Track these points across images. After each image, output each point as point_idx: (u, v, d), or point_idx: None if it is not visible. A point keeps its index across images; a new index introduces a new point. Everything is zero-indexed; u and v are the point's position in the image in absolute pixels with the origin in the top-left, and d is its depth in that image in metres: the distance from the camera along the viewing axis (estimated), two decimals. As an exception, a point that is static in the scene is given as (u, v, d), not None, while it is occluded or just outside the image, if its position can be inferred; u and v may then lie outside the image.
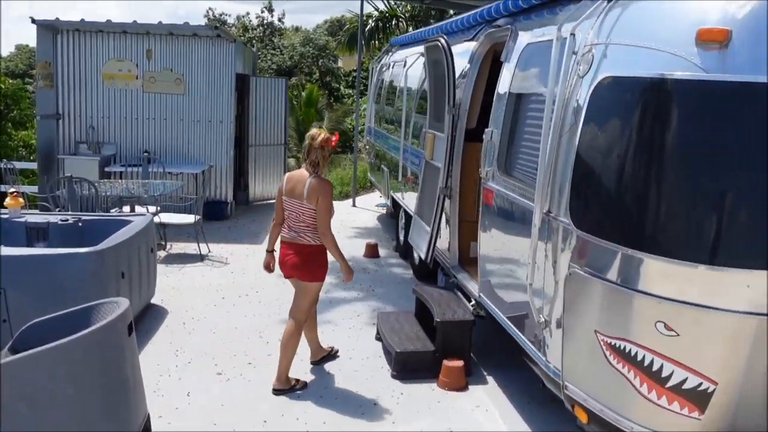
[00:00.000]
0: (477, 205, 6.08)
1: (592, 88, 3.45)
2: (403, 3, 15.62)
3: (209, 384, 4.98)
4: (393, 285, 7.57)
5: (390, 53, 10.71)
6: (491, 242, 4.90)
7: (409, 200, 7.90)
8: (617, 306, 3.30)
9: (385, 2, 16.07)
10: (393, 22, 16.19)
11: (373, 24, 16.16)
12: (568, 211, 3.55)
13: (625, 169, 3.22)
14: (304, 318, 4.91)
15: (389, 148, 9.03)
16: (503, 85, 4.82)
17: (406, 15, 15.91)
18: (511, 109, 4.66)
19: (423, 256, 6.09)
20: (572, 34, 3.68)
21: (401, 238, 8.77)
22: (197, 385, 4.95)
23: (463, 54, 6.04)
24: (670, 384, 3.16)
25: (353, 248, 8.91)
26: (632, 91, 3.24)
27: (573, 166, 3.52)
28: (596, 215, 3.41)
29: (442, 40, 5.83)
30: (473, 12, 6.11)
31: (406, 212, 8.25)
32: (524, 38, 4.69)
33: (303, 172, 4.69)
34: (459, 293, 5.80)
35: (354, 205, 12.43)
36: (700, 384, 3.10)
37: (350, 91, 35.67)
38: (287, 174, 4.83)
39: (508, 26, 5.05)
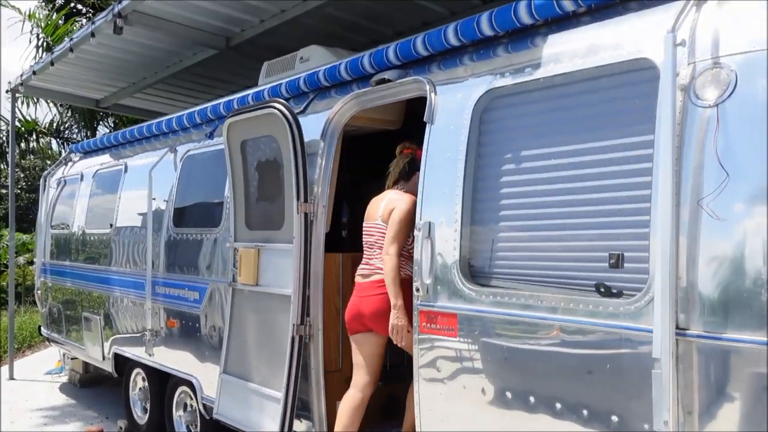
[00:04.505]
0: (341, 345, 4.21)
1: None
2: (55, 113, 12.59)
3: None
4: (167, 491, 4.87)
5: (70, 163, 8.01)
6: (467, 401, 3.05)
7: (166, 354, 5.38)
8: None
9: (24, 113, 12.72)
10: (33, 137, 12.91)
11: (3, 138, 12.64)
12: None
13: None
14: (372, 388, 3.75)
15: (110, 285, 6.31)
16: (450, 153, 3.19)
17: (53, 129, 12.85)
18: (483, 186, 3.06)
19: (273, 440, 3.82)
20: (675, 45, 2.34)
21: (136, 413, 6.03)
22: None
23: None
24: None
25: (59, 443, 5.83)
26: None
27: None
28: None
29: (280, 106, 3.95)
30: (306, 73, 4.40)
31: (151, 375, 5.66)
32: (474, 86, 3.19)
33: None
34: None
35: (12, 378, 8.70)
36: None
37: None
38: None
39: (417, 79, 3.51)
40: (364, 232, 3.87)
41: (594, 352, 2.56)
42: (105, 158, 7.10)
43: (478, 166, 3.10)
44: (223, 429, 4.54)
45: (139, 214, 5.96)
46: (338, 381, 4.18)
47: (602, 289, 2.55)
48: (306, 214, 3.86)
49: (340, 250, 4.36)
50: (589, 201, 2.66)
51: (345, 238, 5.11)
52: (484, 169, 3.08)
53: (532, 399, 2.76)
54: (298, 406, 3.86)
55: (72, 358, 7.91)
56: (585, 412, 2.57)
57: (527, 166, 2.91)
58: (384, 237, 3.65)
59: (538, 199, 2.84)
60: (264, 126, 4.10)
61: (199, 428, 5.12)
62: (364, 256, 3.83)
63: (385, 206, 3.72)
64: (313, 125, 4.13)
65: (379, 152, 5.00)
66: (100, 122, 12.49)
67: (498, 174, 3.02)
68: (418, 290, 3.24)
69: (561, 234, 2.75)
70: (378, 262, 3.68)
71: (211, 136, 5.22)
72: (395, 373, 4.25)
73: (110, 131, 12.56)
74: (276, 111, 3.93)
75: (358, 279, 3.81)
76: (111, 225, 6.33)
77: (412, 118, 4.41)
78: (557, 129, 2.81)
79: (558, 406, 2.66)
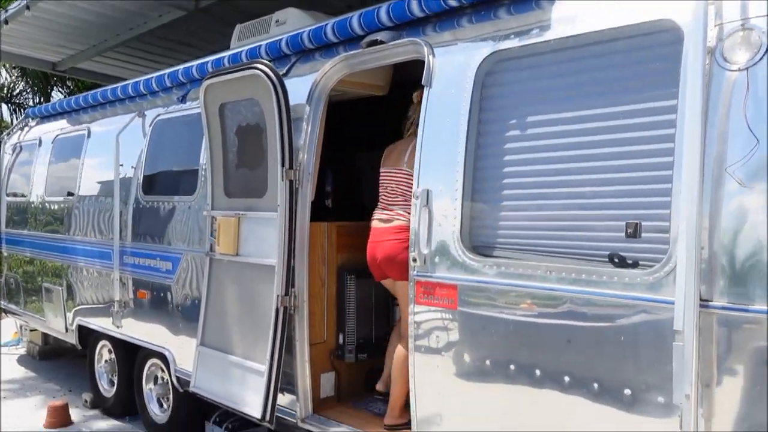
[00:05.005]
0: (326, 317, 4.08)
1: None
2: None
3: None
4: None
5: (27, 128, 7.60)
6: (466, 374, 2.96)
7: (135, 326, 5.16)
8: None
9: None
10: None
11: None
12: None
13: None
14: None
15: (73, 255, 6.02)
16: (451, 118, 3.05)
17: (4, 94, 12.20)
18: (486, 153, 2.93)
19: (257, 413, 3.66)
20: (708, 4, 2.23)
21: (102, 386, 5.81)
22: None
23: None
24: None
25: (21, 416, 5.60)
26: None
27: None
28: None
29: (264, 67, 3.75)
30: (288, 35, 4.19)
31: (119, 347, 5.45)
32: (476, 49, 3.05)
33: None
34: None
35: (-35, 349, 8.32)
36: None
37: None
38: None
39: (414, 40, 3.34)
40: (383, 178, 3.78)
41: (607, 325, 2.48)
42: (65, 123, 6.75)
43: (481, 132, 2.97)
44: (196, 401, 4.38)
45: (104, 182, 5.68)
46: (323, 353, 4.06)
47: (616, 260, 2.46)
48: (291, 182, 3.68)
49: (325, 219, 4.20)
50: (603, 168, 2.56)
51: (329, 208, 4.95)
52: (487, 135, 2.95)
53: (538, 372, 2.67)
54: (281, 379, 3.72)
55: (30, 330, 7.59)
56: (595, 385, 2.50)
57: (535, 132, 2.79)
58: (409, 183, 3.51)
59: (547, 167, 2.73)
60: (246, 88, 3.88)
61: (171, 401, 4.94)
62: (381, 201, 3.75)
63: (411, 153, 3.50)
64: (297, 89, 3.92)
65: (364, 118, 4.86)
66: (55, 87, 11.92)
67: (503, 140, 2.90)
68: (415, 260, 3.11)
69: (572, 203, 2.66)
70: (399, 209, 3.61)
71: (183, 99, 4.97)
72: (379, 347, 4.14)
73: (65, 96, 12.02)
74: (260, 72, 3.71)
75: (376, 224, 3.73)
76: (73, 192, 6.02)
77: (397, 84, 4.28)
78: (569, 93, 2.69)
79: (567, 379, 2.58)
